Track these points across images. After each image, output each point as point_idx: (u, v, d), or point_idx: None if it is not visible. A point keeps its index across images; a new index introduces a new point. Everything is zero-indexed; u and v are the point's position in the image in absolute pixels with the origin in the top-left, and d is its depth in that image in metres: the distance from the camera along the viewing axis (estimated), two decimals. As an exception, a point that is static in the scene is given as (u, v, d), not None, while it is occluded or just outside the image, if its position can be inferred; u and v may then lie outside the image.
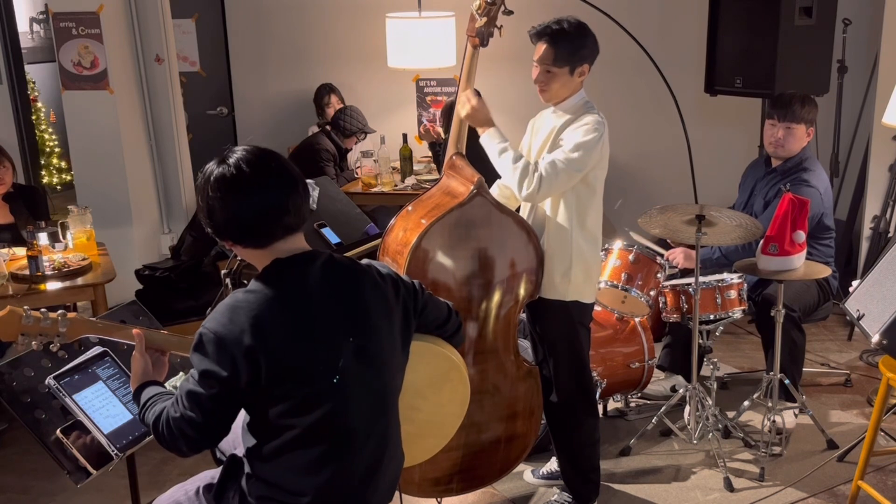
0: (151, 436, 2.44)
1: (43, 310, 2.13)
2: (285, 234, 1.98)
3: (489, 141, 2.93)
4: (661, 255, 3.84)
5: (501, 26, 2.88)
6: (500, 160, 2.89)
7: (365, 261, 2.14)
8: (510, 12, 2.85)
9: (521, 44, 5.03)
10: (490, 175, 3.00)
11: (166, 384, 2.34)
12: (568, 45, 2.87)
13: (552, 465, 3.45)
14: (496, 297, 2.94)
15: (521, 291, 2.97)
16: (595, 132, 2.85)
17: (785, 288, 3.51)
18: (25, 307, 2.10)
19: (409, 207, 2.97)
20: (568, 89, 2.94)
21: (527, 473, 3.50)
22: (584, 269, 2.98)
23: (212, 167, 1.96)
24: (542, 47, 2.91)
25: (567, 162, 2.82)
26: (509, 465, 3.18)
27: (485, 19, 2.84)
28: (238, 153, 1.96)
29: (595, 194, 2.97)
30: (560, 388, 3.10)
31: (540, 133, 3.05)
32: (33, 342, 2.11)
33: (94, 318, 2.20)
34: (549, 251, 2.97)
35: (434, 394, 2.30)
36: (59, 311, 2.14)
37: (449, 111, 4.01)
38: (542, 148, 2.99)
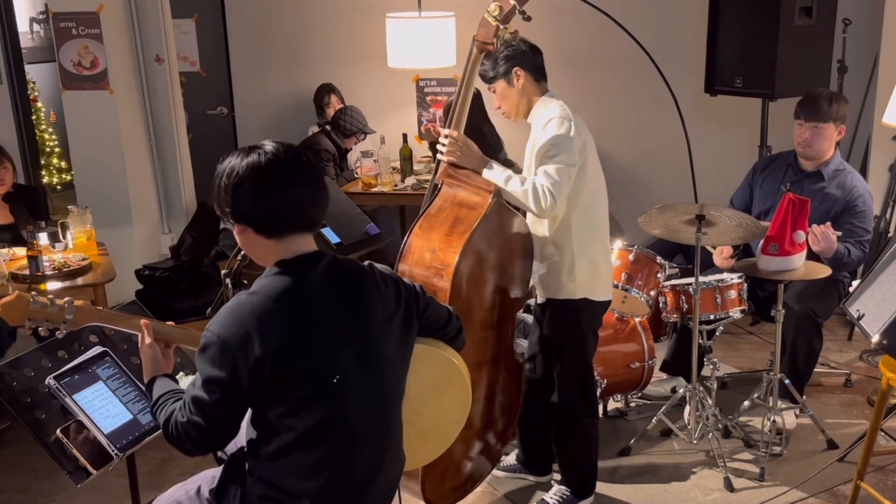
0: (151, 436, 2.46)
1: (50, 296, 2.16)
2: (304, 229, 1.98)
3: (493, 174, 2.91)
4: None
5: (516, 31, 2.90)
6: (509, 187, 2.87)
7: (367, 262, 2.14)
8: (529, 18, 2.84)
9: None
10: None
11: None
12: (487, 62, 2.97)
13: (510, 458, 3.52)
14: (515, 296, 3.01)
15: (526, 287, 3.03)
16: (562, 124, 2.85)
17: (815, 295, 3.47)
18: (33, 293, 2.13)
19: (421, 225, 2.91)
20: (519, 99, 2.97)
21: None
22: (589, 263, 2.97)
23: (241, 156, 1.95)
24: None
25: (556, 166, 2.82)
26: (500, 454, 3.30)
27: (506, 26, 2.84)
28: (270, 145, 1.97)
29: (583, 176, 2.92)
30: (563, 390, 3.13)
31: (528, 149, 3.07)
32: (40, 328, 2.14)
33: (99, 308, 2.21)
34: (551, 248, 2.98)
35: (435, 398, 2.29)
36: (66, 299, 2.17)
37: (448, 111, 4.00)
38: (531, 163, 2.99)
